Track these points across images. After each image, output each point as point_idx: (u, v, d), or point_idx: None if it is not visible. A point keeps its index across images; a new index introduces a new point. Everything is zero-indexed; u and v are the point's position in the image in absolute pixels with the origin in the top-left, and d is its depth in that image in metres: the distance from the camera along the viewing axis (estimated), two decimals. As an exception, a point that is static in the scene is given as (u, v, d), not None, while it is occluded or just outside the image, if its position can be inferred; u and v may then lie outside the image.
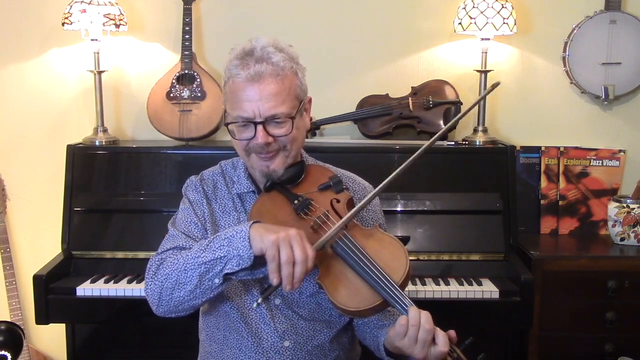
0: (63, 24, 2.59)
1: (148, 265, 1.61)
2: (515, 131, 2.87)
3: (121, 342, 2.58)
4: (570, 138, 2.84)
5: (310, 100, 1.65)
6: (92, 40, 2.63)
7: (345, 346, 1.69)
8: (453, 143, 2.68)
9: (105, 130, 2.70)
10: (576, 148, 2.78)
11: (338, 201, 1.58)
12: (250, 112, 1.52)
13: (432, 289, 2.29)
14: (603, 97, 2.76)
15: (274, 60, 1.52)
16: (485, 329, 2.51)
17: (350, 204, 1.61)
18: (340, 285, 1.46)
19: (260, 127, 1.52)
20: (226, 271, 1.45)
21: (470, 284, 2.34)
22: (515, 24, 2.62)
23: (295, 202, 1.56)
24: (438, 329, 1.41)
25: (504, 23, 2.58)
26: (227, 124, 1.58)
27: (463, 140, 2.72)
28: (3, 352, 2.61)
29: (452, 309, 2.29)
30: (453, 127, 2.66)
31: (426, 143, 1.55)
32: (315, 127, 2.73)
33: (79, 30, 2.61)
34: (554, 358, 2.47)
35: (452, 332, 1.43)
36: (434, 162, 2.56)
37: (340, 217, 1.52)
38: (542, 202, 2.77)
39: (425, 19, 2.81)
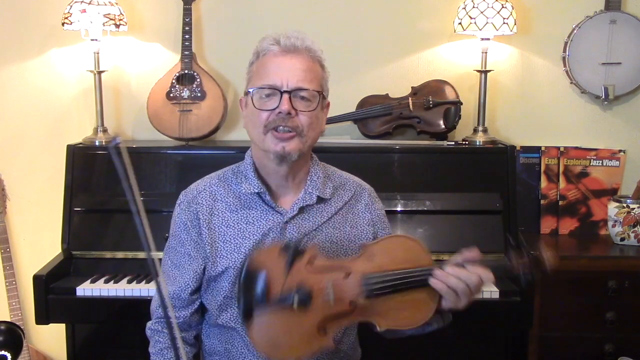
0: (63, 24, 2.59)
1: (146, 326, 1.67)
2: (515, 131, 2.87)
3: (121, 342, 2.58)
4: (570, 138, 2.84)
5: (328, 105, 1.66)
6: (92, 40, 2.63)
7: (348, 347, 1.69)
8: (453, 143, 2.68)
9: (105, 130, 2.70)
10: (576, 148, 2.78)
11: (311, 263, 1.44)
12: (278, 80, 1.51)
13: (432, 289, 2.29)
14: (603, 97, 2.76)
15: (308, 42, 1.56)
16: (485, 329, 2.51)
17: (315, 252, 1.48)
18: (400, 314, 1.44)
19: (286, 96, 1.51)
20: None
21: (470, 284, 2.34)
22: (515, 24, 2.62)
23: (293, 305, 1.38)
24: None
25: (504, 23, 2.57)
26: (252, 90, 1.54)
27: (463, 140, 2.72)
28: (3, 352, 2.61)
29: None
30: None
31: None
32: (315, 127, 2.73)
33: (79, 30, 2.61)
34: (554, 358, 2.47)
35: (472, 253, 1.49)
36: (434, 162, 2.56)
37: (335, 268, 1.44)
38: (542, 202, 2.77)
39: (425, 19, 2.81)
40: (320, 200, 1.64)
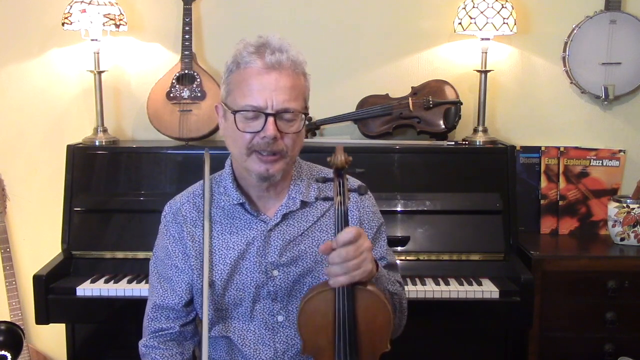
0: (63, 24, 2.59)
1: (139, 345, 1.64)
2: (515, 131, 2.87)
3: (121, 342, 2.58)
4: (570, 138, 2.84)
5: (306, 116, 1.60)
6: (92, 40, 2.63)
7: None
8: (453, 143, 2.68)
9: (105, 130, 2.70)
10: (576, 148, 2.78)
11: None
12: (262, 101, 1.43)
13: (432, 289, 2.29)
14: (603, 97, 2.76)
15: (292, 54, 1.48)
16: (485, 329, 2.51)
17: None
18: (377, 329, 1.46)
19: (271, 119, 1.43)
20: None
21: (470, 284, 2.34)
22: (515, 24, 2.62)
23: None
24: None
25: (504, 23, 2.58)
26: (234, 112, 1.46)
27: (463, 140, 2.72)
28: (3, 352, 2.61)
29: (452, 309, 2.29)
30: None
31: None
32: (315, 127, 2.74)
33: (79, 30, 2.62)
34: (554, 358, 2.47)
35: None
36: (434, 162, 2.56)
37: None
38: (542, 202, 2.77)
39: (425, 19, 2.81)
40: (305, 204, 1.60)
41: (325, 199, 1.51)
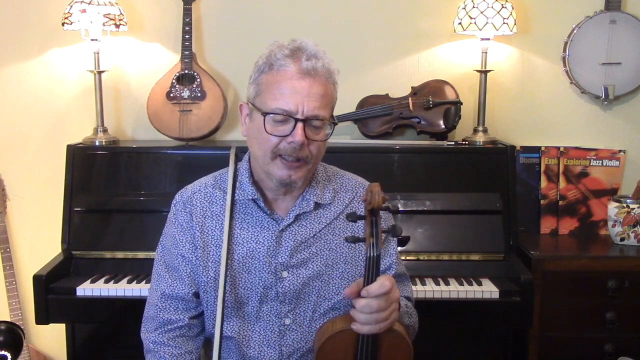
0: (63, 24, 2.59)
1: (142, 336, 1.61)
2: (515, 131, 2.87)
3: (121, 342, 2.58)
4: (570, 138, 2.84)
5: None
6: (92, 40, 2.63)
7: None
8: (453, 143, 2.68)
9: (105, 130, 2.70)
10: (576, 148, 2.78)
11: None
12: (293, 106, 1.43)
13: (432, 289, 2.29)
14: (603, 97, 2.76)
15: (326, 62, 1.48)
16: (485, 329, 2.52)
17: None
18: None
19: (300, 125, 1.43)
20: None
21: (470, 284, 2.34)
22: (515, 24, 2.62)
23: None
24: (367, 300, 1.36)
25: (504, 23, 2.58)
26: (264, 114, 1.45)
27: (463, 140, 2.72)
28: (3, 352, 2.61)
29: (452, 309, 2.30)
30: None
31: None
32: (315, 127, 2.74)
33: (79, 30, 2.62)
34: (554, 358, 2.47)
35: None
36: (434, 162, 2.57)
37: None
38: (542, 202, 2.77)
39: (425, 19, 2.81)
40: (318, 206, 1.59)
41: (355, 240, 1.37)
